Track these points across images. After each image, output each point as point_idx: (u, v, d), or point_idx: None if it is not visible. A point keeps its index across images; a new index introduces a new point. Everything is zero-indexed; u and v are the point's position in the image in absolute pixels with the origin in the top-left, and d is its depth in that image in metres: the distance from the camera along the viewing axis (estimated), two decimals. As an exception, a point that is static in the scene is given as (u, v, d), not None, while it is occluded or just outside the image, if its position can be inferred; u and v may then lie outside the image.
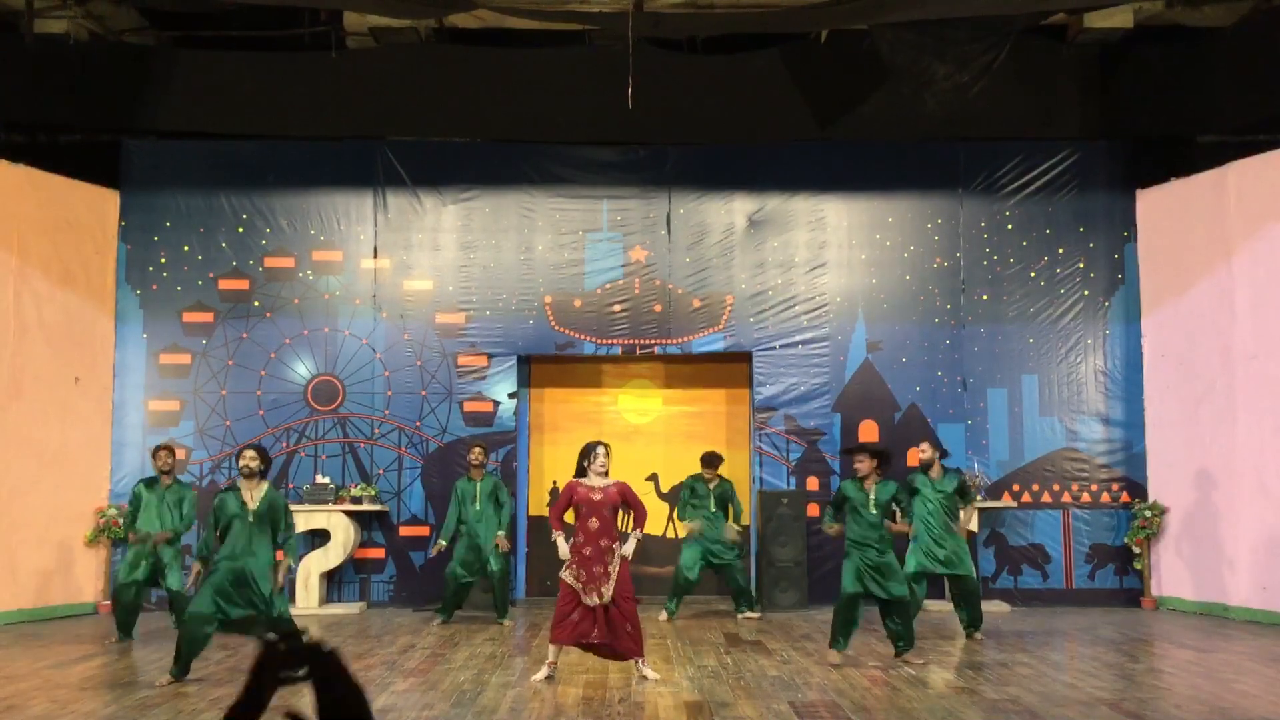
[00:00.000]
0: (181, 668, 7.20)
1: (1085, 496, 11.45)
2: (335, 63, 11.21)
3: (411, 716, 6.15)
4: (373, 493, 11.23)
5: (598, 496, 7.26)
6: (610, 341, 11.70)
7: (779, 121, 11.56)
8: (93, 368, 11.22)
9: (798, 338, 11.65)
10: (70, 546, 10.79)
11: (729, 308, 11.71)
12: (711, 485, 10.39)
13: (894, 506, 8.02)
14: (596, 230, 11.79)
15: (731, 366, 12.10)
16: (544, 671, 7.22)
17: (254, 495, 7.36)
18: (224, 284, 11.63)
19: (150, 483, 9.11)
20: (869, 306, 11.68)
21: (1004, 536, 11.39)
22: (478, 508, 10.00)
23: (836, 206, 11.80)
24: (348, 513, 11.06)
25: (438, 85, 11.49)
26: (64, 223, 11.03)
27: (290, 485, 11.27)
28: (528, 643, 8.95)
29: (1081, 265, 11.70)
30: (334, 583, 11.26)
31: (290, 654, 1.69)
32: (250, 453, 7.47)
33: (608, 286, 11.74)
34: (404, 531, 11.40)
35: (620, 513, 7.32)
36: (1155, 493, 11.23)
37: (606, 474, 7.37)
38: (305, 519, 10.87)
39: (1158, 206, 11.47)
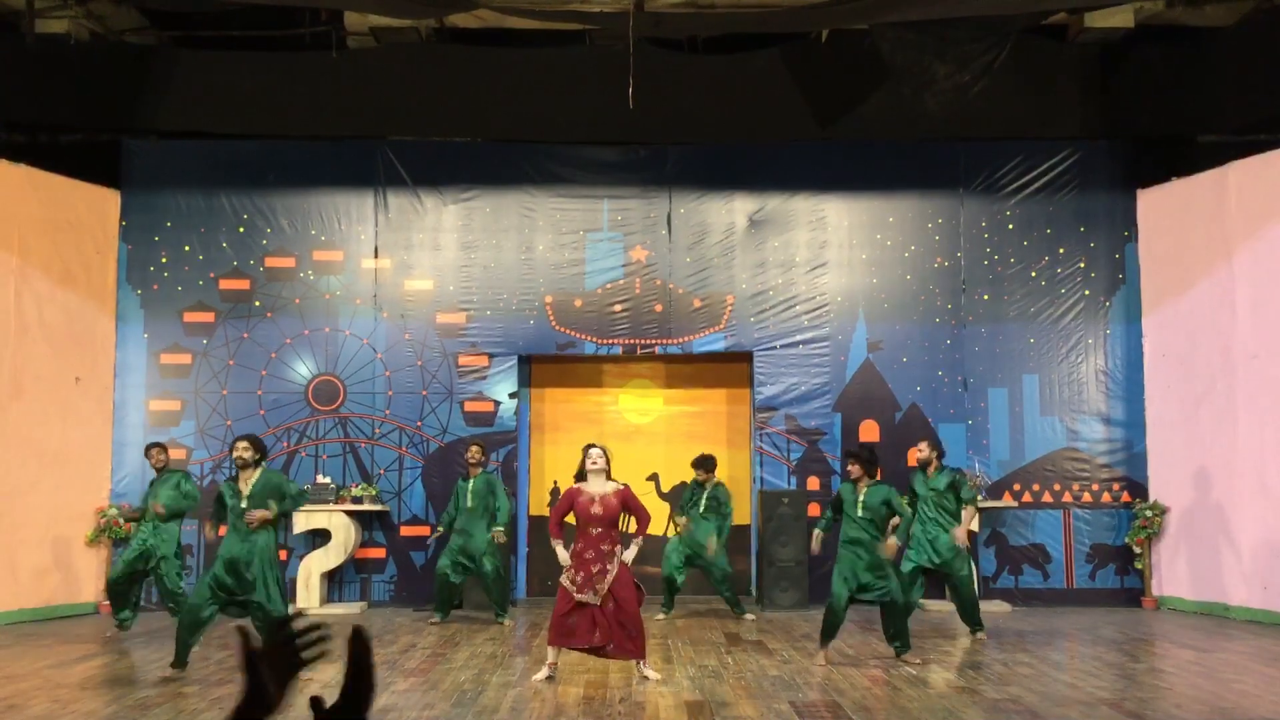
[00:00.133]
0: (180, 656, 7.23)
1: (1086, 496, 11.45)
2: (336, 63, 11.21)
3: (412, 716, 6.15)
4: (373, 493, 11.23)
5: (598, 510, 7.14)
6: (611, 341, 11.71)
7: (779, 121, 11.56)
8: (93, 368, 11.22)
9: (798, 337, 11.65)
10: (71, 546, 10.79)
11: (729, 307, 11.71)
12: (707, 487, 10.39)
13: (885, 511, 8.01)
14: (597, 230, 11.79)
15: (732, 366, 12.11)
16: (544, 671, 7.21)
17: (249, 484, 7.37)
18: (225, 284, 11.63)
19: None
20: (870, 306, 11.69)
21: (1005, 536, 11.40)
22: (470, 506, 9.99)
23: (837, 206, 11.80)
24: (348, 512, 11.07)
25: (438, 85, 11.50)
26: (65, 223, 11.04)
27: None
28: (528, 642, 8.95)
29: (1082, 265, 11.70)
30: (335, 582, 11.26)
31: (289, 642, 1.70)
32: (243, 444, 7.46)
33: (608, 286, 11.74)
34: (405, 531, 11.40)
35: (622, 517, 7.24)
36: (1156, 492, 11.23)
37: (606, 474, 7.28)
38: (306, 519, 10.90)
39: (1158, 206, 11.47)
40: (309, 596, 10.83)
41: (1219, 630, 9.65)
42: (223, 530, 7.60)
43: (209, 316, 11.58)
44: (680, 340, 11.72)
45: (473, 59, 11.38)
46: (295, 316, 11.63)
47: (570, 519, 7.32)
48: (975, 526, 10.95)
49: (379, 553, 11.39)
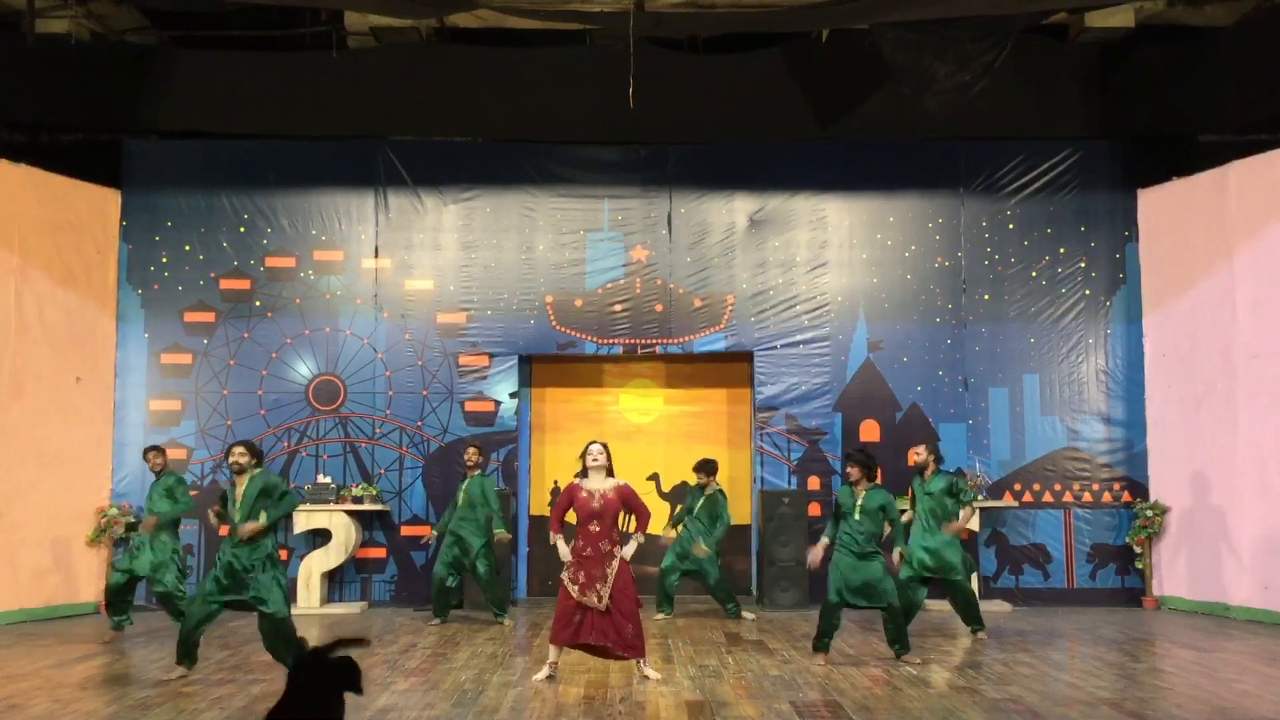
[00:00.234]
0: (186, 652, 7.23)
1: (1086, 496, 11.45)
2: (336, 62, 11.22)
3: (413, 716, 6.15)
4: (374, 492, 11.23)
5: (597, 505, 7.13)
6: (611, 341, 11.71)
7: (780, 121, 11.56)
8: (94, 367, 11.23)
9: (799, 337, 11.65)
10: (71, 546, 10.79)
11: (730, 307, 11.71)
12: (707, 491, 10.40)
13: (882, 516, 7.99)
14: (597, 230, 11.80)
15: (733, 366, 12.11)
16: (545, 671, 7.21)
17: (242, 489, 7.37)
18: (225, 284, 11.64)
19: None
20: (870, 306, 11.69)
21: (1005, 536, 11.39)
22: (463, 508, 9.97)
23: (837, 206, 11.80)
24: (349, 512, 11.07)
25: (439, 85, 11.51)
26: (65, 222, 11.04)
27: (292, 485, 11.25)
28: (529, 642, 8.94)
29: (1083, 265, 11.70)
30: (335, 582, 11.26)
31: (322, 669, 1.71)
32: (238, 449, 7.47)
33: (609, 286, 11.74)
34: (405, 531, 11.41)
35: (622, 515, 7.24)
36: (1156, 492, 11.23)
37: (606, 471, 7.26)
38: (306, 519, 10.91)
39: (1159, 206, 11.47)
40: (309, 596, 10.84)
41: (1219, 630, 9.65)
42: (224, 531, 7.61)
43: (209, 316, 11.59)
44: (681, 340, 11.72)
45: (473, 59, 11.39)
46: (296, 316, 11.63)
47: (570, 516, 7.32)
48: (975, 526, 10.96)
49: (379, 553, 11.40)
